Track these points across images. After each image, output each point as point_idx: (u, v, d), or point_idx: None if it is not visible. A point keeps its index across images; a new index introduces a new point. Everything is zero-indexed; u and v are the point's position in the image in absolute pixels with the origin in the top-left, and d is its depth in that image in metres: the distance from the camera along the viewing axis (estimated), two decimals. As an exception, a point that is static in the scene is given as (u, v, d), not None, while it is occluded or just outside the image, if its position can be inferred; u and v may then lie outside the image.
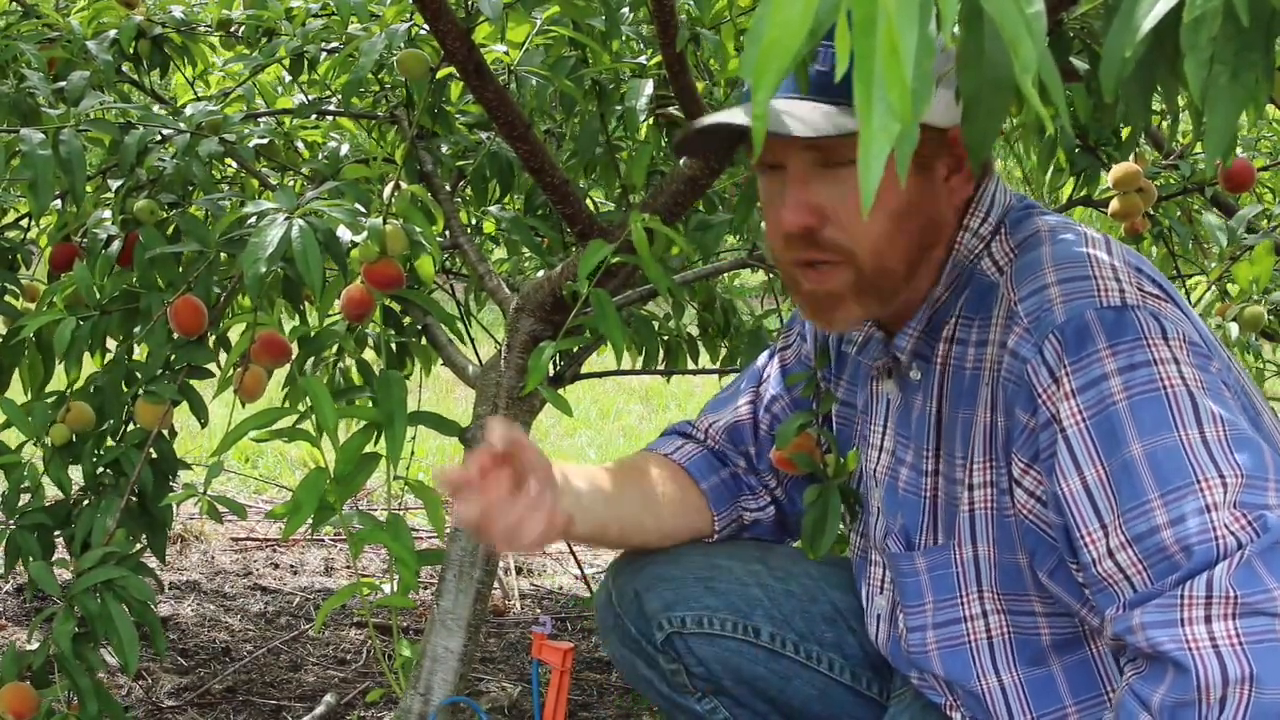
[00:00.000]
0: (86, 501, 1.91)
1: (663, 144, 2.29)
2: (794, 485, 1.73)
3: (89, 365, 1.96)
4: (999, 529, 1.39)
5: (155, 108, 2.25)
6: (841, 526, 1.65)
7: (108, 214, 2.00)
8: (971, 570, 1.43)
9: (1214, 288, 2.39)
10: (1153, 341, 1.26)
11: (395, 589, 1.62)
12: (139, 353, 1.97)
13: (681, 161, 1.91)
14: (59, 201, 2.11)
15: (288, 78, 2.49)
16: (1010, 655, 1.43)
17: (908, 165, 0.61)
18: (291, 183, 2.24)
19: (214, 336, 2.01)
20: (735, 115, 1.38)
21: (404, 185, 1.90)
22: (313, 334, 1.91)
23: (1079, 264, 1.33)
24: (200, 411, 1.95)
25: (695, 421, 1.77)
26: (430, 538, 3.72)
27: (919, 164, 1.36)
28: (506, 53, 2.13)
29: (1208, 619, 1.15)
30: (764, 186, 1.43)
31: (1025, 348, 1.30)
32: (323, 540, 3.71)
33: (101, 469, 1.92)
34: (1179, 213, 2.57)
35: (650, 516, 1.65)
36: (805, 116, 1.30)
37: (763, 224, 1.60)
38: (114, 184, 2.04)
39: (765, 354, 1.80)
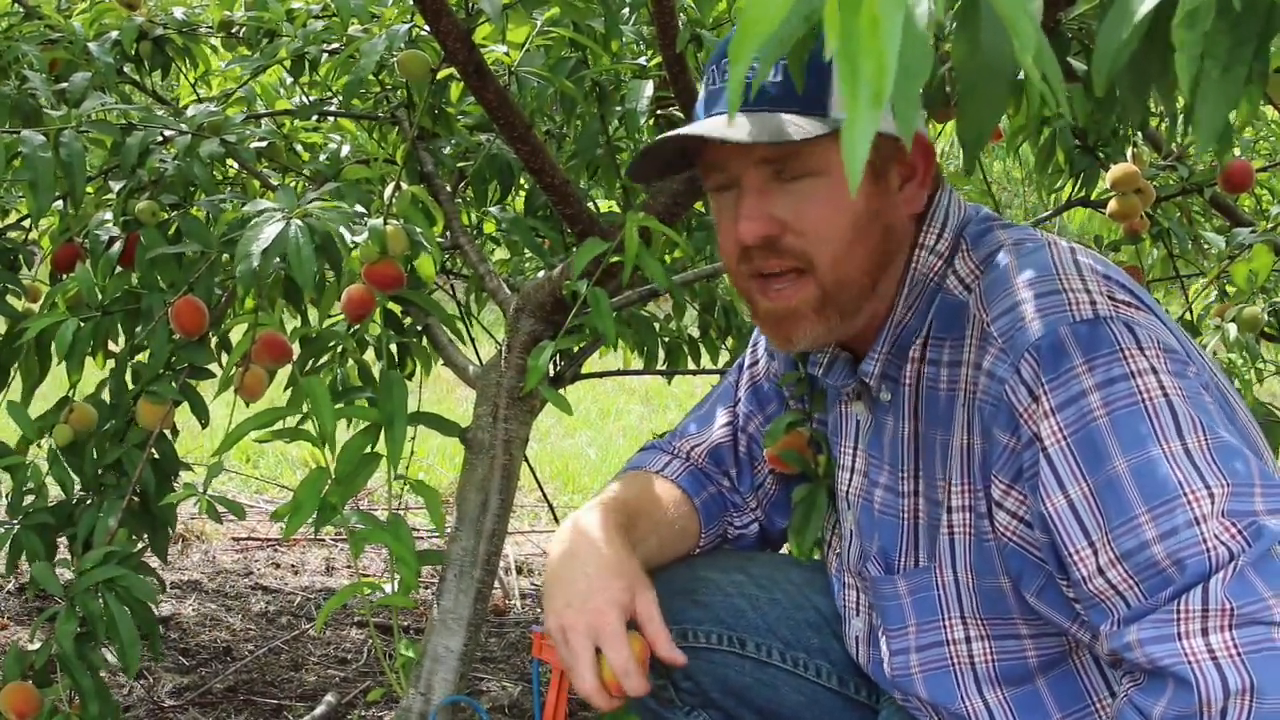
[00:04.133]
0: (89, 501, 1.91)
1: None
2: (774, 507, 1.72)
3: (91, 366, 1.96)
4: (978, 554, 1.38)
5: (157, 109, 2.25)
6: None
7: (109, 215, 2.00)
8: (953, 594, 1.42)
9: (1212, 287, 2.39)
10: (1129, 353, 1.24)
11: (396, 589, 1.62)
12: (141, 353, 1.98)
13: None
14: (61, 202, 2.11)
15: (289, 79, 2.50)
16: (994, 678, 1.42)
17: (912, 133, 0.60)
18: (293, 184, 2.24)
19: (215, 337, 2.02)
20: (689, 129, 1.39)
21: (405, 186, 1.90)
22: (314, 334, 1.91)
23: (1048, 278, 1.31)
24: (201, 412, 1.95)
25: (675, 442, 1.75)
26: (431, 537, 3.72)
27: (873, 170, 1.36)
28: (507, 53, 2.14)
29: (1205, 631, 1.14)
30: (718, 204, 1.43)
31: (1001, 368, 1.29)
32: (324, 540, 3.71)
33: (103, 469, 1.93)
34: (1178, 214, 2.57)
35: (663, 548, 1.64)
36: (753, 129, 1.32)
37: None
38: (115, 185, 2.04)
39: (734, 369, 1.77)
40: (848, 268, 1.37)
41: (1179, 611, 1.15)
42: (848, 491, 1.56)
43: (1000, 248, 1.39)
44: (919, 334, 1.42)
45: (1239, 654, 1.12)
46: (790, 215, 1.36)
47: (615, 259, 1.78)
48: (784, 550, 1.76)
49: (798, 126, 1.31)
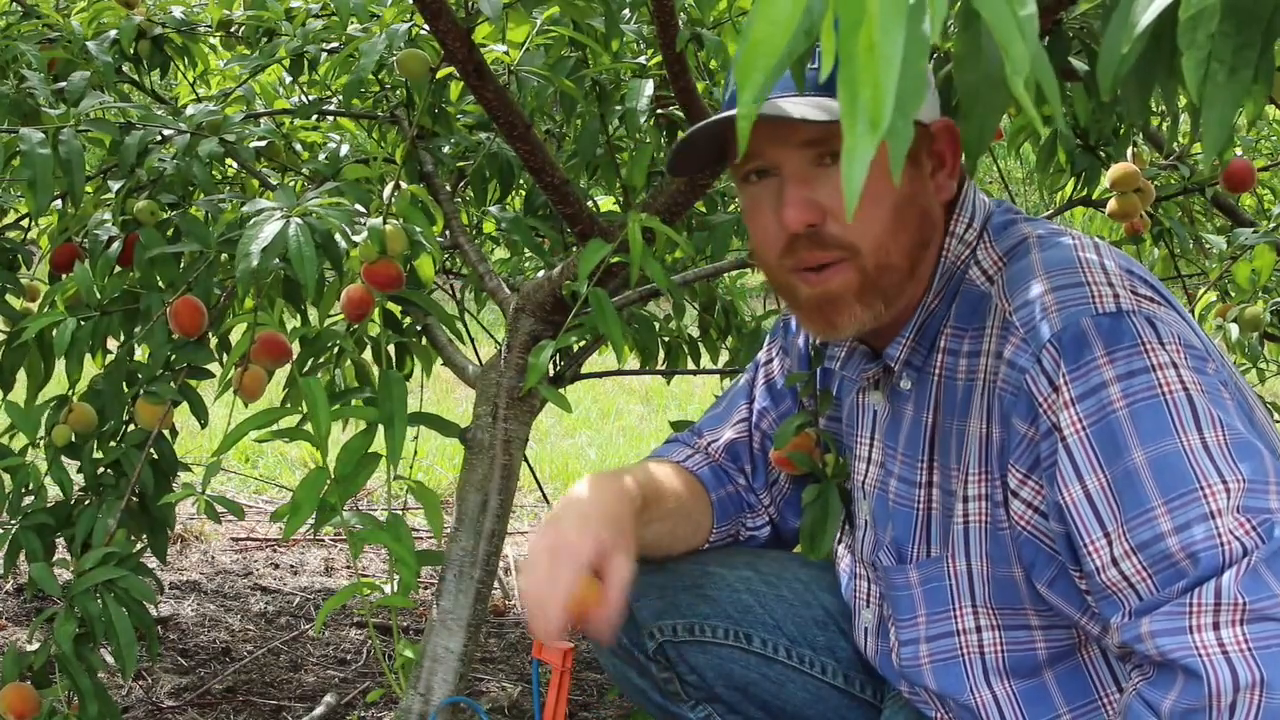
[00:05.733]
0: (87, 502, 1.91)
1: (663, 144, 2.29)
2: (787, 505, 1.72)
3: (90, 366, 1.96)
4: (992, 543, 1.39)
5: (156, 108, 2.25)
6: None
7: (108, 214, 2.00)
8: (965, 584, 1.42)
9: (1213, 288, 2.39)
10: (1150, 347, 1.25)
11: (395, 589, 1.62)
12: (140, 353, 1.97)
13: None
14: (60, 202, 2.11)
15: (288, 78, 2.49)
16: (1003, 669, 1.42)
17: (901, 163, 0.60)
18: (292, 183, 2.24)
19: (214, 337, 2.01)
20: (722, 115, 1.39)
21: (404, 185, 1.90)
22: (313, 334, 1.91)
23: (1071, 270, 1.32)
24: (200, 412, 1.95)
25: (695, 438, 1.76)
26: (431, 538, 3.72)
27: (910, 156, 1.36)
28: (506, 53, 2.14)
29: (1216, 625, 1.15)
30: (752, 195, 1.41)
31: (1022, 358, 1.30)
32: (323, 540, 3.71)
33: (102, 469, 1.92)
34: (1179, 213, 2.57)
35: (675, 535, 1.64)
36: (802, 108, 1.31)
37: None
38: (114, 184, 2.04)
39: (750, 367, 1.78)
40: (890, 253, 1.38)
41: (1191, 605, 1.16)
42: (863, 482, 1.56)
43: (1024, 240, 1.40)
44: (945, 322, 1.43)
45: (1250, 649, 1.13)
46: (832, 202, 1.35)
47: (616, 259, 1.78)
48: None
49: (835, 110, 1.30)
